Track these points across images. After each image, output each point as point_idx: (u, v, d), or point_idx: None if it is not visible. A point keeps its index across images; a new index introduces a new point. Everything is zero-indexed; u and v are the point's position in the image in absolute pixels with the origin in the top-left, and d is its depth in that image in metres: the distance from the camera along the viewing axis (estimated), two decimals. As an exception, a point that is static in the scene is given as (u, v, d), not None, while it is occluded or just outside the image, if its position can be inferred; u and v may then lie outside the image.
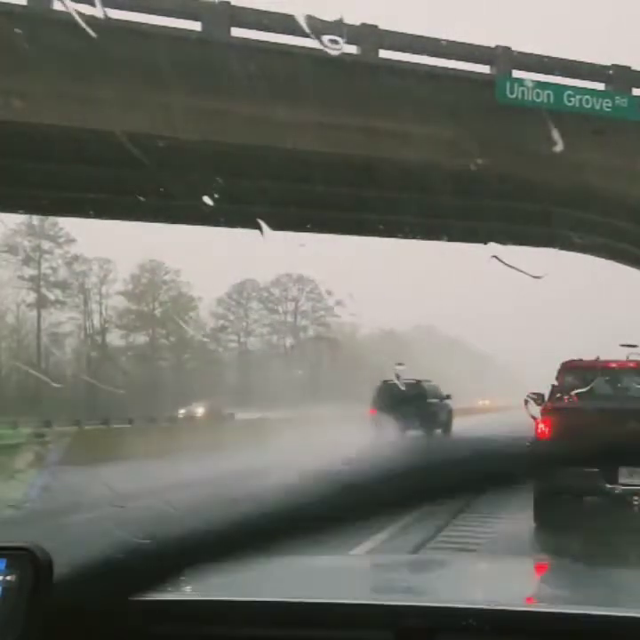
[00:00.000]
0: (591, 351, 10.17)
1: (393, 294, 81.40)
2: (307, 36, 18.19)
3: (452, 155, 18.71)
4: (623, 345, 7.35)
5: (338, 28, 15.34)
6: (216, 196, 20.95)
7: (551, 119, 17.02)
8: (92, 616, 1.30)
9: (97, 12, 10.43)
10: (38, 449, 18.26)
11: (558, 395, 9.38)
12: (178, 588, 1.46)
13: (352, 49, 18.50)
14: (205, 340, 65.56)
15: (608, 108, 19.37)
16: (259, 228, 14.20)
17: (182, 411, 39.67)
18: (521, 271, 7.37)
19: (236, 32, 17.72)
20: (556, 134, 17.02)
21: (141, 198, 18.67)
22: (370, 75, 17.74)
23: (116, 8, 16.97)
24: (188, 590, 1.56)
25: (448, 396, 26.26)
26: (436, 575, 2.19)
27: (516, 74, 19.33)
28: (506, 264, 7.25)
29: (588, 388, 10.01)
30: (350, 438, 13.21)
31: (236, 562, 1.40)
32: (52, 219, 51.09)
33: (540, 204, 20.90)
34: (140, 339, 63.24)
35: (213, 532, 1.26)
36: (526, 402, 9.44)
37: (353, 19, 19.80)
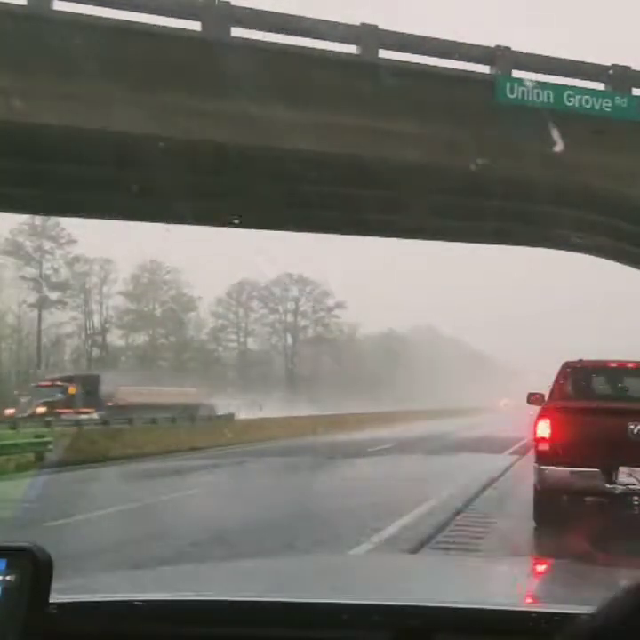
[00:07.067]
0: (592, 351, 10.18)
1: (393, 294, 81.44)
2: (307, 35, 18.20)
3: (452, 155, 18.70)
4: None
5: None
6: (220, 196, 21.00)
7: (551, 119, 17.03)
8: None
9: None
10: (38, 449, 18.24)
11: (558, 395, 9.38)
12: (172, 587, 1.46)
13: (352, 49, 18.49)
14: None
15: (608, 108, 19.33)
16: (258, 227, 14.23)
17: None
18: None
19: (236, 32, 17.70)
20: (556, 134, 17.03)
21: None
22: (370, 75, 17.71)
23: (116, 8, 16.99)
24: (183, 590, 1.56)
25: None
26: (435, 575, 2.19)
27: (516, 74, 19.30)
28: None
29: (589, 388, 10.01)
30: None
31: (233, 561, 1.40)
32: (53, 219, 51.11)
33: (540, 204, 20.87)
34: (140, 338, 63.28)
35: None
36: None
37: (353, 19, 19.84)
